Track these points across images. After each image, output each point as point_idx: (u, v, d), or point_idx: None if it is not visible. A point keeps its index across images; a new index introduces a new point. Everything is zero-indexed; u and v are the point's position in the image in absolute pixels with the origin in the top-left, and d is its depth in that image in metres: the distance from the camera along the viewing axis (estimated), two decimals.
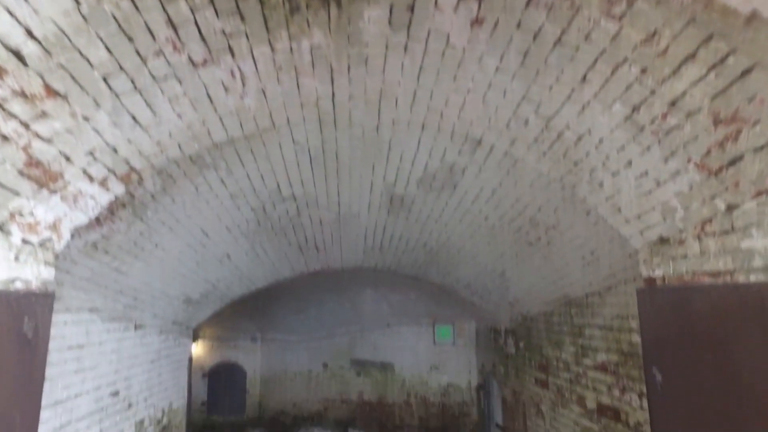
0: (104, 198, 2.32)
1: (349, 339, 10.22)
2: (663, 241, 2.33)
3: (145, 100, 1.97)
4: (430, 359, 9.09)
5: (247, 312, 10.98)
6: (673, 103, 1.70)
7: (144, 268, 4.37)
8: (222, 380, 11.36)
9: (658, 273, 2.46)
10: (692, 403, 2.13)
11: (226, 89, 2.19)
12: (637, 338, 3.53)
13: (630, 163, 2.13)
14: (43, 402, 2.59)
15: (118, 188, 2.36)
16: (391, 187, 4.12)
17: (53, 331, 2.63)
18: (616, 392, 4.02)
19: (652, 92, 1.74)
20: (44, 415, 3.03)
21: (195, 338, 11.43)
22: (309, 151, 3.27)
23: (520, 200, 3.72)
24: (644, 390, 3.47)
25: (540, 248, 4.29)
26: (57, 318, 3.05)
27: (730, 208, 1.76)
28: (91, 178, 2.11)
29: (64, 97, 1.67)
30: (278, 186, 3.88)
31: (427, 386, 9.04)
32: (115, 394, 4.44)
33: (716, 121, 1.61)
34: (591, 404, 4.60)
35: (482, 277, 6.20)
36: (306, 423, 10.53)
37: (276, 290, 8.99)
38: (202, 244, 4.63)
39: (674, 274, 2.29)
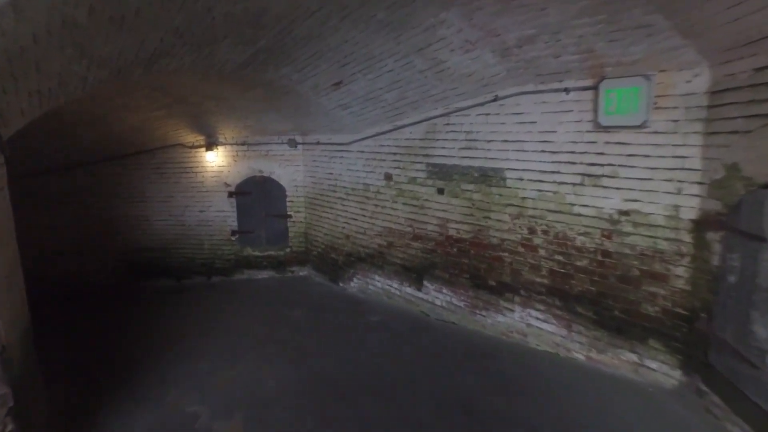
0: None
1: (424, 130, 5.69)
2: None
3: None
4: (583, 161, 4.23)
5: (274, 104, 6.88)
6: None
7: None
8: (254, 202, 7.95)
9: None
10: None
11: None
12: None
13: None
14: None
15: None
16: None
17: None
18: None
19: None
20: None
21: (211, 145, 7.91)
22: None
23: None
24: None
25: None
26: None
27: None
28: None
29: None
30: None
31: (571, 215, 4.37)
32: None
33: None
34: None
35: None
36: (363, 265, 6.84)
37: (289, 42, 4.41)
38: None
39: None
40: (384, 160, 6.29)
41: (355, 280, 7.04)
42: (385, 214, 6.38)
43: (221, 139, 7.70)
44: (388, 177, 6.26)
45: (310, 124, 7.21)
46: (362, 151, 6.61)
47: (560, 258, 4.49)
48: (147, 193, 7.91)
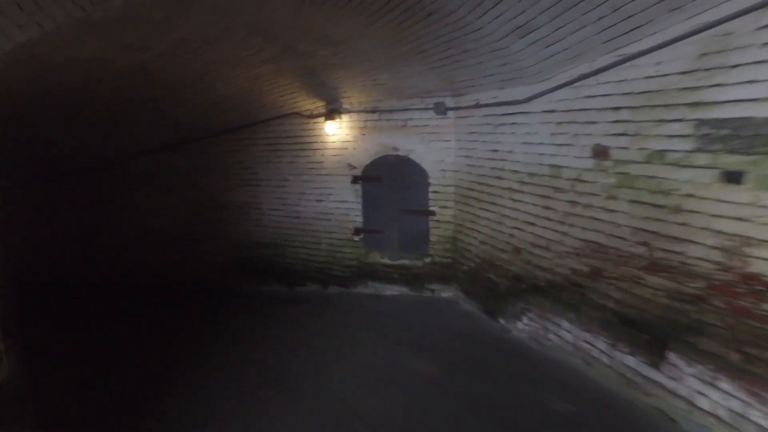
0: None
1: (694, 55, 2.79)
2: None
3: None
4: None
5: (412, 43, 4.62)
6: None
7: None
8: (385, 191, 5.86)
9: None
10: None
11: None
12: None
13: None
14: None
15: None
16: None
17: None
18: None
19: None
20: None
21: (333, 113, 5.98)
22: None
23: None
24: None
25: None
26: None
27: None
28: None
29: None
30: None
31: None
32: None
33: None
34: None
35: None
36: (540, 299, 4.19)
37: None
38: None
39: None
40: (592, 123, 3.54)
41: (525, 319, 4.42)
42: (588, 218, 3.63)
43: (345, 105, 5.74)
44: (601, 152, 3.49)
45: (465, 76, 4.75)
46: (550, 111, 3.94)
47: None
48: (260, 174, 6.39)
